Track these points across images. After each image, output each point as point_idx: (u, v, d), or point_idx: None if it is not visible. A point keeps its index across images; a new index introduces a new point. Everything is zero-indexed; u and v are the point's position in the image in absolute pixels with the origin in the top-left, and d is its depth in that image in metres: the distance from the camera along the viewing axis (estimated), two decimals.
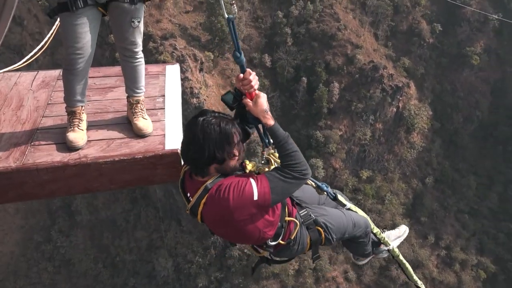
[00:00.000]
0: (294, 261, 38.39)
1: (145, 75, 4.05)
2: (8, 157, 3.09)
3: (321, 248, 2.96)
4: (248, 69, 2.34)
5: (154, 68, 4.24)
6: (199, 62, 38.97)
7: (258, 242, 2.59)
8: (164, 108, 3.62)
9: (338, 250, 40.56)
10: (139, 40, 3.26)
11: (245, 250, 35.60)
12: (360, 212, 3.12)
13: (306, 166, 2.31)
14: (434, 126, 45.27)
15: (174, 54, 37.60)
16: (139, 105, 3.37)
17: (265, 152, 2.66)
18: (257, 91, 2.38)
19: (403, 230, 3.62)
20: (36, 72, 4.21)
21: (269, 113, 2.35)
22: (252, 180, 2.23)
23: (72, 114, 3.26)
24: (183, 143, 2.37)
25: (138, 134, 3.27)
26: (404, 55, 44.65)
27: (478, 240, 42.99)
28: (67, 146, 3.17)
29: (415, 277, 3.65)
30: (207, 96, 38.75)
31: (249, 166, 2.51)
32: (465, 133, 46.68)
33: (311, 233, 2.70)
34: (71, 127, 3.23)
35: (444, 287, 40.56)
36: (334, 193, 3.01)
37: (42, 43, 4.39)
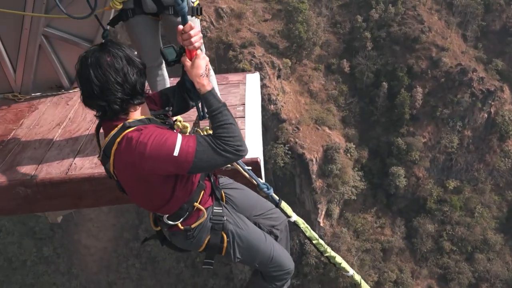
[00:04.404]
0: (373, 272, 37.06)
1: (226, 84, 4.20)
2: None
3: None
4: (190, 22, 1.99)
5: (234, 77, 4.35)
6: (276, 69, 39.41)
7: (154, 210, 2.31)
8: (244, 117, 3.67)
9: (422, 264, 38.43)
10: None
11: (322, 259, 35.03)
12: (310, 233, 2.59)
13: (241, 142, 1.95)
14: None
15: (252, 61, 38.42)
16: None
17: (197, 126, 2.33)
18: (198, 51, 2.06)
19: None
20: None
21: (206, 78, 2.05)
22: (178, 135, 1.94)
23: None
24: (86, 87, 1.91)
25: None
26: (497, 57, 41.42)
27: None
28: None
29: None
30: (284, 103, 38.99)
31: (180, 123, 2.23)
32: None
33: (212, 234, 2.31)
34: None
35: None
36: (278, 200, 2.56)
37: None
